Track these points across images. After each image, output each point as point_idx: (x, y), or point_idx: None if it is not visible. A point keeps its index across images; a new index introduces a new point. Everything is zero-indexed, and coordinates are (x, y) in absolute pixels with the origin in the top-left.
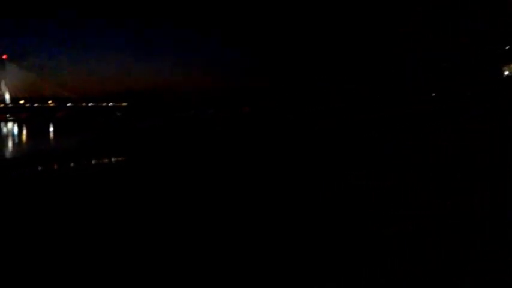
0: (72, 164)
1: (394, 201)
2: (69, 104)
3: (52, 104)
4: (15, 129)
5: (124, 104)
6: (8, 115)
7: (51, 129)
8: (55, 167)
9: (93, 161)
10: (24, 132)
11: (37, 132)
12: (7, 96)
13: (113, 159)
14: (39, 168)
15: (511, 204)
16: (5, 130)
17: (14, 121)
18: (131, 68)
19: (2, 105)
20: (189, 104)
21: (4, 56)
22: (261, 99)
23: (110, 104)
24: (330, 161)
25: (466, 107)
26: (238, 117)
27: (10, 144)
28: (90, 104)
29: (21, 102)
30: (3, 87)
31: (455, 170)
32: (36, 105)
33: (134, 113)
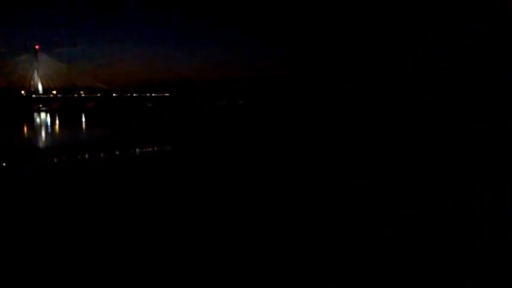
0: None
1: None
2: (99, 95)
3: (83, 95)
4: (48, 119)
5: (154, 94)
6: (40, 105)
7: (83, 119)
8: (115, 155)
9: (144, 150)
10: (57, 122)
11: (69, 122)
12: (40, 87)
13: (160, 149)
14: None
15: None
16: (38, 120)
17: (46, 111)
18: (163, 59)
19: (34, 95)
20: (219, 95)
21: (36, 46)
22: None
23: (141, 94)
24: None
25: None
26: (267, 108)
27: (47, 133)
28: (121, 95)
29: (54, 92)
30: (36, 78)
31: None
32: (67, 95)
33: (169, 103)
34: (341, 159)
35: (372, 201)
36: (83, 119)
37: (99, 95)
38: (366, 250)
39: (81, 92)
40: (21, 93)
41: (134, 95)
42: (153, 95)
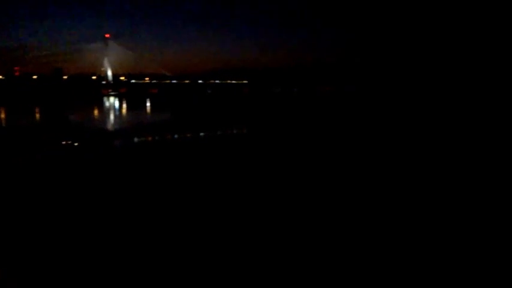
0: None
1: None
2: (163, 81)
3: (148, 81)
4: (117, 103)
5: (214, 81)
6: (110, 90)
7: (148, 103)
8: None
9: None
10: (124, 105)
11: (135, 106)
12: (109, 73)
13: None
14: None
15: None
16: (107, 104)
17: (115, 96)
18: (221, 48)
19: (104, 81)
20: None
21: (107, 35)
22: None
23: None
24: None
25: None
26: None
27: (115, 115)
28: (183, 81)
29: (122, 78)
30: (106, 64)
31: None
32: (133, 81)
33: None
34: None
35: None
36: (148, 104)
37: (164, 81)
38: None
39: (146, 78)
40: (93, 79)
41: (198, 81)
42: (212, 81)
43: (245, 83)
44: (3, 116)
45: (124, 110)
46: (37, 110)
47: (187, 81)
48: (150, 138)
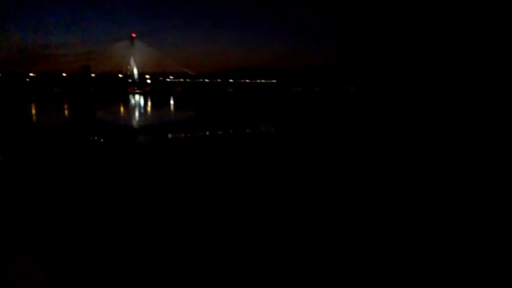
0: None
1: None
2: (186, 80)
3: (172, 79)
4: (142, 101)
5: (231, 80)
6: (135, 88)
7: (172, 101)
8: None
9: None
10: (149, 103)
11: (160, 104)
12: (135, 72)
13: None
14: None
15: None
16: (133, 101)
17: (140, 94)
18: (243, 47)
19: (130, 79)
20: (298, 81)
21: (133, 35)
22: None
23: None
24: None
25: None
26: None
27: (140, 113)
28: (205, 80)
29: (147, 77)
30: (132, 63)
31: None
32: (158, 80)
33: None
34: None
35: None
36: (171, 102)
37: (186, 80)
38: None
39: (171, 77)
40: (119, 77)
41: (217, 80)
42: (230, 80)
43: (273, 82)
44: (33, 112)
45: (149, 108)
46: (66, 106)
47: (207, 80)
48: (174, 136)
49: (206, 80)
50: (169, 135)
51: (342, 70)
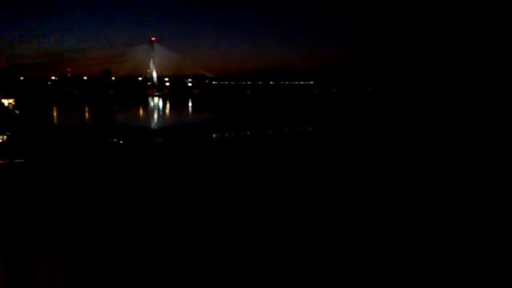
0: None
1: None
2: (204, 82)
3: (191, 82)
4: (161, 103)
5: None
6: (155, 90)
7: (190, 104)
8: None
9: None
10: (168, 106)
11: (178, 107)
12: (154, 75)
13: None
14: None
15: None
16: (152, 104)
17: (159, 96)
18: (259, 50)
19: (149, 82)
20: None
21: (153, 38)
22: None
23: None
24: None
25: None
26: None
27: (159, 115)
28: (224, 83)
29: (166, 79)
30: (152, 67)
31: None
32: (177, 82)
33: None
34: None
35: None
36: (190, 104)
37: (205, 81)
38: None
39: (189, 80)
40: (139, 80)
41: (232, 82)
42: (248, 82)
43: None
44: (55, 114)
45: (167, 110)
46: (86, 109)
47: (226, 82)
48: (190, 137)
49: (225, 82)
50: (186, 137)
51: (359, 71)
